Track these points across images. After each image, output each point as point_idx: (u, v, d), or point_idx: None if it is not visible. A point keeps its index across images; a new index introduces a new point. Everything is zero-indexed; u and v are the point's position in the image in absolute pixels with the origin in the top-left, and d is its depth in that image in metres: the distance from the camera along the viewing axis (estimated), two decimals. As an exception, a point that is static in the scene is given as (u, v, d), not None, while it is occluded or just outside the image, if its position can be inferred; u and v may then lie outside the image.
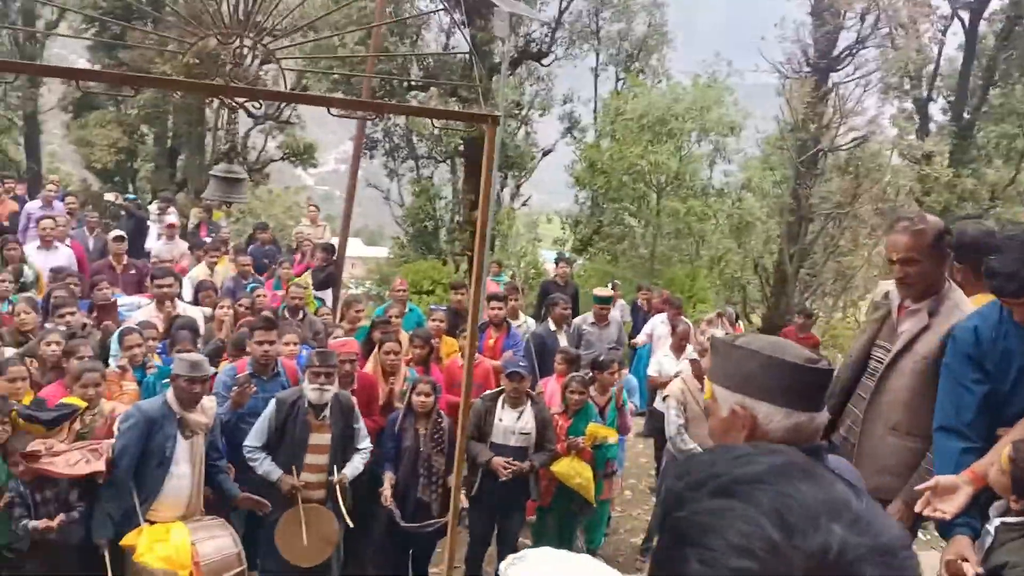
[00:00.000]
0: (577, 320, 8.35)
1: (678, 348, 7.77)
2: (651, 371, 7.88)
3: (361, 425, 5.16)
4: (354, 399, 5.20)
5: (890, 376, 3.49)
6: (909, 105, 20.43)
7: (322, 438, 4.90)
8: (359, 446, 5.12)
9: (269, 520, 4.85)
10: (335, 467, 4.91)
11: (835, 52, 19.07)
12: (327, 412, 4.90)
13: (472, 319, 3.77)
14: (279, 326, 5.60)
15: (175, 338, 5.53)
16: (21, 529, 4.09)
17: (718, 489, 0.81)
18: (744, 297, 18.48)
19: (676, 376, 6.52)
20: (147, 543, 4.17)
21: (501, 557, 4.48)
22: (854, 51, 19.03)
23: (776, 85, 19.12)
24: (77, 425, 4.57)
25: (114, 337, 5.41)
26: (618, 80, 19.66)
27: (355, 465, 5.05)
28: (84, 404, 4.60)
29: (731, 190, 17.20)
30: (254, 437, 4.89)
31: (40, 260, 8.01)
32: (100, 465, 4.23)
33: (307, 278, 8.99)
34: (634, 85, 17.99)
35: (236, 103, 3.74)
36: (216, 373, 5.49)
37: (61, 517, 4.14)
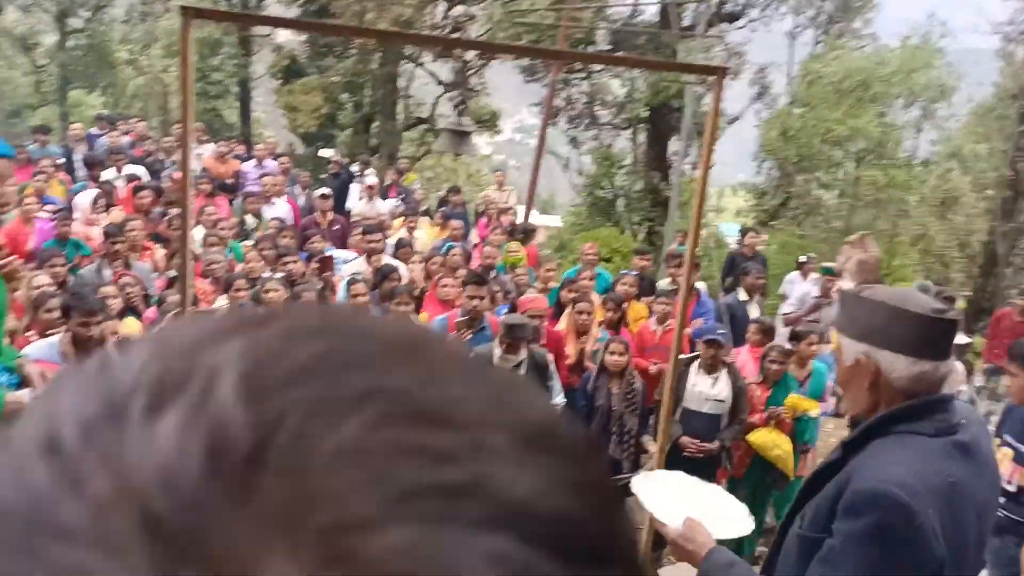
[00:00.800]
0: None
1: None
2: None
3: (555, 383, 5.22)
4: (549, 356, 5.30)
5: None
6: None
7: None
8: (552, 401, 5.20)
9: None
10: None
11: (1068, 10, 17.06)
12: (522, 369, 5.00)
13: (686, 281, 3.71)
14: (488, 283, 5.81)
15: (392, 292, 5.85)
16: None
17: None
18: (947, 277, 17.14)
19: None
20: None
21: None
22: (1090, 8, 16.95)
23: (996, 48, 17.41)
24: None
25: (342, 286, 5.79)
26: (816, 43, 18.61)
27: None
28: None
29: (938, 159, 15.87)
30: None
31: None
32: None
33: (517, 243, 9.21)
34: (834, 48, 16.97)
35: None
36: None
37: None
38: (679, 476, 2.50)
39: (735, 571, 1.89)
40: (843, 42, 17.54)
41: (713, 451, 5.39)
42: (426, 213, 10.68)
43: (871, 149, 14.84)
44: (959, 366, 7.21)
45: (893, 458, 1.71)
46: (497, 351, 4.94)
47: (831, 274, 7.52)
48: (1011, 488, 3.85)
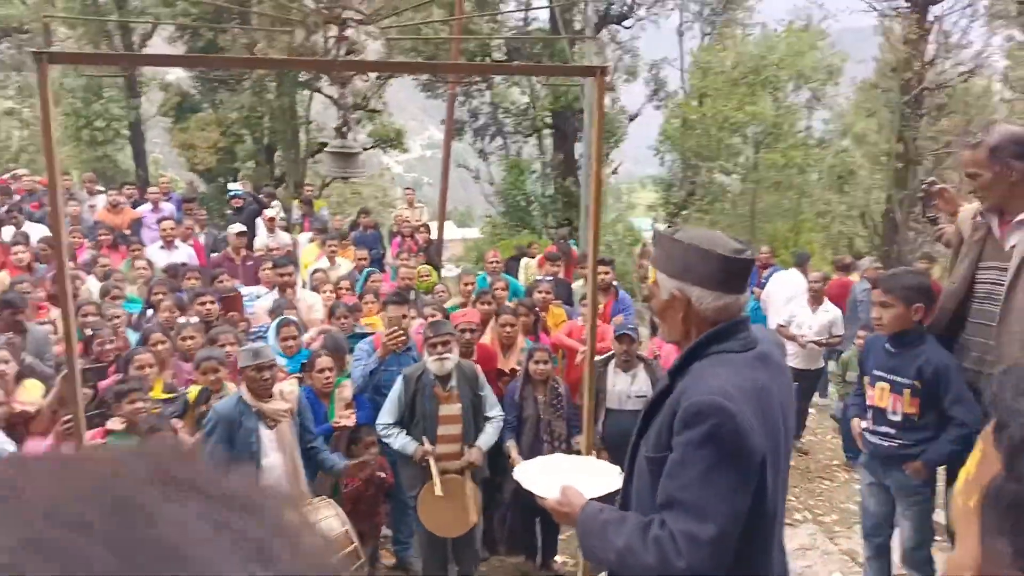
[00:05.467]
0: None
1: (815, 299, 7.70)
2: (779, 321, 7.82)
3: (488, 392, 5.15)
4: (477, 366, 5.23)
5: (1015, 294, 3.31)
6: (1017, 33, 19.04)
7: (452, 408, 4.91)
8: (489, 414, 5.10)
9: (410, 495, 4.95)
10: (467, 439, 4.93)
11: (935, -17, 17.92)
12: (453, 382, 4.92)
13: (591, 284, 3.72)
14: (411, 302, 5.70)
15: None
16: None
17: None
18: (851, 249, 17.80)
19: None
20: None
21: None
22: (957, -21, 17.82)
23: (873, 26, 18.18)
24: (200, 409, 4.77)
25: (271, 328, 5.56)
26: (704, 36, 19.11)
27: (488, 435, 5.03)
28: (193, 392, 4.73)
29: (832, 139, 16.48)
30: (386, 414, 4.92)
31: (163, 259, 8.40)
32: None
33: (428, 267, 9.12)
34: (724, 38, 17.46)
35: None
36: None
37: None
38: (555, 457, 2.83)
39: (603, 515, 2.10)
40: (729, 32, 18.07)
41: None
42: (343, 237, 10.46)
43: (768, 133, 15.29)
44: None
45: (712, 374, 2.00)
46: (430, 359, 4.84)
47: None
48: (896, 418, 3.94)
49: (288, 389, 4.55)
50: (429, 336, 4.88)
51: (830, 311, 7.80)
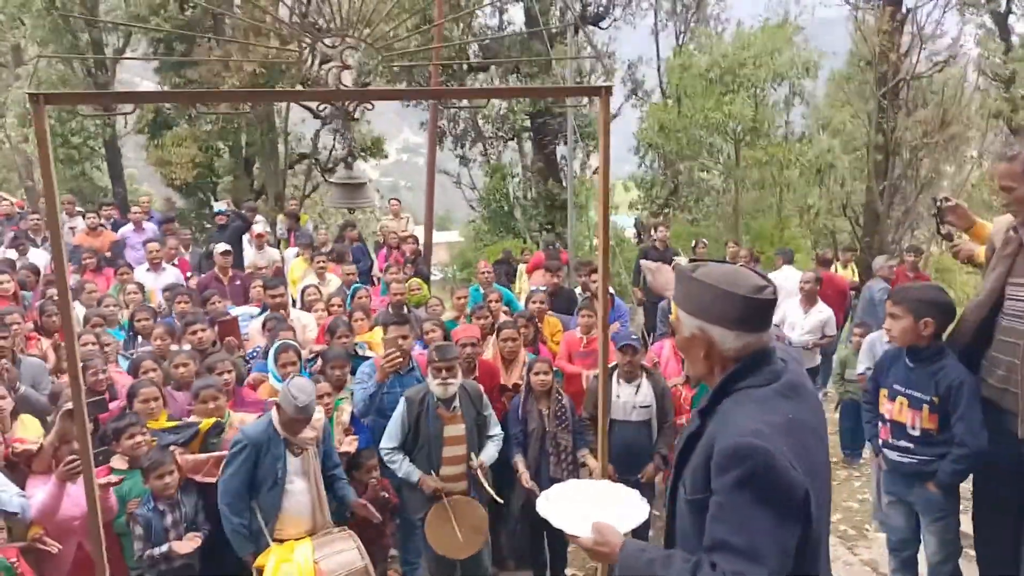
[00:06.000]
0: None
1: (808, 300, 7.70)
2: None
3: (490, 412, 5.15)
4: (480, 386, 5.21)
5: None
6: (988, 21, 19.23)
7: (456, 429, 4.89)
8: (490, 433, 5.12)
9: (417, 517, 4.91)
10: (472, 454, 4.91)
11: (907, -27, 18.02)
12: (457, 403, 4.90)
13: (603, 293, 3.68)
14: (411, 322, 5.63)
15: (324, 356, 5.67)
16: (146, 560, 4.12)
17: None
18: (834, 243, 17.91)
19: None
20: (274, 565, 4.17)
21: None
22: (927, -32, 17.91)
23: (842, 17, 18.28)
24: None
25: (271, 353, 5.48)
26: (679, 35, 19.15)
27: (490, 452, 5.05)
28: (207, 423, 4.66)
29: (811, 134, 16.56)
30: (389, 438, 4.89)
31: (150, 282, 8.26)
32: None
33: (418, 280, 9.02)
34: (696, 35, 17.50)
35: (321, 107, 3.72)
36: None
37: (195, 539, 4.19)
38: (573, 484, 2.73)
39: (647, 555, 2.09)
40: (704, 30, 18.10)
41: (651, 476, 5.39)
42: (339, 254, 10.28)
43: (748, 131, 15.33)
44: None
45: (742, 414, 1.99)
46: (434, 382, 4.82)
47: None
48: (915, 433, 3.90)
49: (316, 416, 4.51)
50: (434, 360, 4.85)
51: (823, 312, 7.79)
